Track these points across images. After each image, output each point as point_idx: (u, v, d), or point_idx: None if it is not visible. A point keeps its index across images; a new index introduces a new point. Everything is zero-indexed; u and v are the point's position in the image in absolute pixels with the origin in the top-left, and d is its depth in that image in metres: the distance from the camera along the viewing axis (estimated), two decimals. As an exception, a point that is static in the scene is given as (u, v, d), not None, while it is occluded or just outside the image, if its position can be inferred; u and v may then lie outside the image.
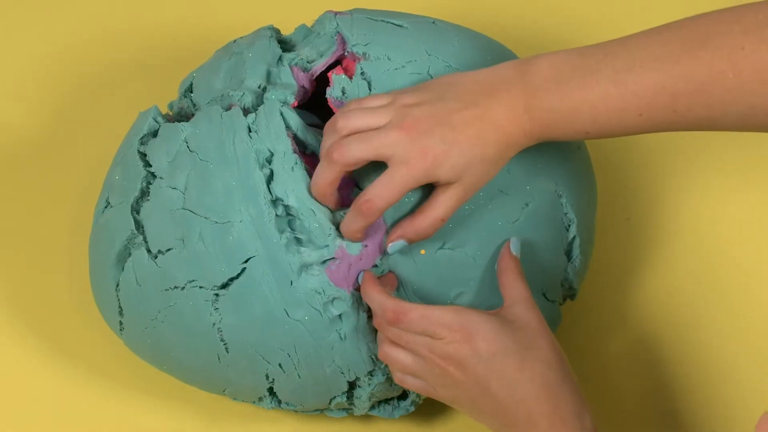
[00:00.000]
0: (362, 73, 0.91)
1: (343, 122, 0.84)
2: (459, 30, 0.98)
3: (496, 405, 0.82)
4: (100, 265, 0.93)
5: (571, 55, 0.82)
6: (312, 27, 0.99)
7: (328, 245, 0.86)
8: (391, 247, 0.86)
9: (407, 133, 0.82)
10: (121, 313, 0.92)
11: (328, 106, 1.04)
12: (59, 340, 1.04)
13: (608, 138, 0.84)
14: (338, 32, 0.94)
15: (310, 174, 0.87)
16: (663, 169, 1.11)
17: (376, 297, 0.85)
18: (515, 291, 0.85)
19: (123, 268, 0.91)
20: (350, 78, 0.92)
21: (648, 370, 1.01)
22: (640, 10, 1.21)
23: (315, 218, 0.86)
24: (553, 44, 1.17)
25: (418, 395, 0.95)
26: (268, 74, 0.92)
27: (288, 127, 0.89)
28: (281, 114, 0.89)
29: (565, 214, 0.93)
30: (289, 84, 0.91)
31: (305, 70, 0.94)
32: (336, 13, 0.97)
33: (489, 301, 0.89)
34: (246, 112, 0.90)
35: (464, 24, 1.02)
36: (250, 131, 0.88)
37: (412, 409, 0.96)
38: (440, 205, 0.84)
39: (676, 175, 1.11)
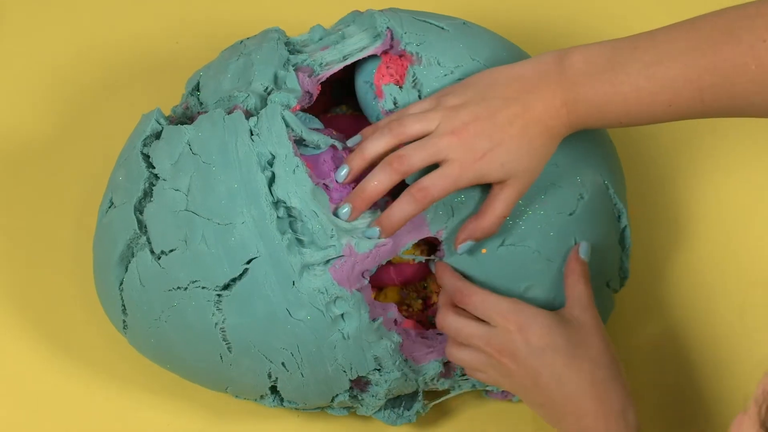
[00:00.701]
0: (414, 81, 0.93)
1: (398, 129, 0.87)
2: (485, 31, 1.00)
3: (545, 398, 0.85)
4: (104, 265, 0.93)
5: (603, 49, 0.85)
6: (335, 26, 0.99)
7: (333, 245, 0.86)
8: (461, 248, 0.89)
9: (458, 137, 0.85)
10: (124, 312, 0.93)
11: (330, 108, 1.05)
12: (64, 337, 1.04)
13: (637, 126, 0.88)
14: (388, 27, 0.95)
15: (311, 176, 0.88)
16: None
17: (449, 278, 0.89)
18: (577, 292, 0.89)
19: (127, 269, 0.91)
20: (399, 81, 0.94)
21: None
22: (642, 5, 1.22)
23: (317, 219, 0.86)
24: (552, 42, 1.17)
25: (423, 407, 0.96)
26: (275, 77, 0.92)
27: (290, 130, 0.89)
28: (282, 117, 0.89)
29: (615, 204, 0.96)
30: (294, 89, 0.92)
31: (315, 73, 0.94)
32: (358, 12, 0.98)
33: (559, 292, 0.91)
34: (249, 114, 0.91)
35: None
36: (252, 134, 0.88)
37: (414, 419, 0.97)
38: (500, 203, 0.87)
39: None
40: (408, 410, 0.97)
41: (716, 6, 0.84)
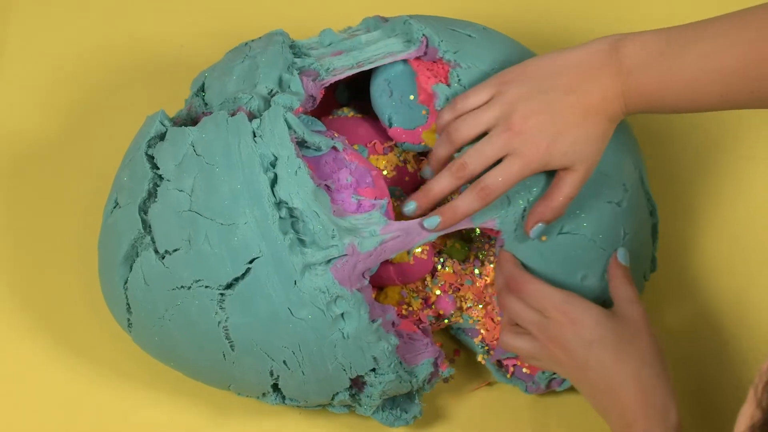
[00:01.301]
0: (459, 80, 0.94)
1: (456, 135, 0.90)
2: (505, 37, 1.02)
3: (591, 389, 0.87)
4: (109, 264, 0.93)
5: (658, 40, 0.87)
6: (349, 31, 1.01)
7: (334, 245, 0.87)
8: (533, 232, 0.91)
9: (517, 133, 0.88)
10: (129, 311, 0.93)
11: (332, 110, 1.05)
12: (69, 335, 1.04)
13: (687, 113, 0.90)
14: (424, 35, 0.96)
15: (313, 177, 0.88)
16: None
17: (508, 265, 0.91)
18: (623, 292, 0.90)
19: (131, 268, 0.91)
20: (444, 82, 0.95)
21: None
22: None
23: (318, 220, 0.87)
24: (551, 42, 1.16)
25: (420, 410, 0.97)
26: (280, 80, 0.93)
27: (292, 132, 0.89)
28: (285, 120, 0.89)
29: (648, 199, 0.98)
30: (298, 92, 0.92)
31: (320, 77, 0.95)
32: (386, 19, 1.00)
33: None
34: (252, 116, 0.91)
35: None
36: (255, 136, 0.89)
37: (412, 422, 0.97)
38: (566, 186, 0.89)
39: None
40: (406, 413, 0.97)
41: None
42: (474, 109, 0.91)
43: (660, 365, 0.87)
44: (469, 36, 0.99)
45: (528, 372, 0.99)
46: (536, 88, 0.88)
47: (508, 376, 1.00)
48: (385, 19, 1.01)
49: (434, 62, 0.97)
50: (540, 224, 0.91)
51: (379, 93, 0.99)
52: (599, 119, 0.88)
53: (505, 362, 1.00)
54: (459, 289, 1.01)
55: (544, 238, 0.93)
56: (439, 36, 0.97)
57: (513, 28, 1.15)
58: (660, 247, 1.02)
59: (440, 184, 0.91)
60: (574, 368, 0.88)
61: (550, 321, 0.89)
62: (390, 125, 1.00)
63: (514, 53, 0.99)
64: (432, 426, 1.01)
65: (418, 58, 0.97)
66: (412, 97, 0.98)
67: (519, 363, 0.99)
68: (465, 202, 0.90)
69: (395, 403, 0.97)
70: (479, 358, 1.01)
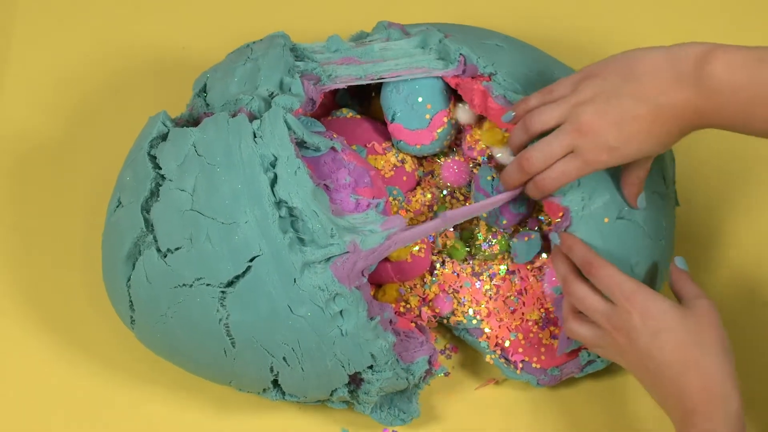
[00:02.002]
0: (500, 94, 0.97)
1: (531, 125, 0.91)
2: (524, 43, 1.04)
3: (652, 378, 0.87)
4: (112, 262, 0.94)
5: (746, 62, 0.85)
6: (360, 38, 1.01)
7: (334, 243, 0.87)
8: (640, 202, 0.94)
9: (584, 133, 0.89)
10: (132, 308, 0.93)
11: (330, 113, 1.05)
12: (74, 332, 1.04)
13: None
14: (461, 54, 0.98)
15: (312, 177, 0.88)
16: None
17: (581, 249, 0.91)
18: (689, 289, 0.90)
19: (134, 266, 0.91)
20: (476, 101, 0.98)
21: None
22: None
23: (317, 219, 0.87)
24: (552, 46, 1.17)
25: (417, 411, 0.97)
26: (281, 83, 0.93)
27: (291, 132, 0.90)
28: (285, 120, 0.89)
29: (675, 197, 1.00)
30: (299, 95, 0.92)
31: (321, 82, 0.95)
32: (401, 27, 1.01)
33: (654, 275, 0.95)
34: (252, 117, 0.91)
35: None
36: (255, 137, 0.89)
37: (409, 421, 0.97)
38: (640, 167, 0.92)
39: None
40: (404, 413, 0.97)
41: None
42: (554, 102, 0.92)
43: (724, 355, 0.86)
44: (498, 46, 1.00)
45: (538, 366, 0.99)
46: (612, 91, 0.88)
47: (518, 372, 1.00)
48: (406, 30, 1.02)
49: (472, 78, 0.99)
50: (642, 193, 0.93)
51: (390, 89, 1.00)
52: (668, 130, 0.88)
53: (513, 358, 1.00)
54: (458, 291, 1.01)
55: (606, 219, 0.93)
56: (476, 53, 0.98)
57: (512, 31, 1.15)
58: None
59: (511, 177, 0.93)
60: (637, 357, 0.87)
61: (617, 309, 0.88)
62: (392, 120, 1.00)
63: (540, 60, 1.01)
64: (430, 424, 1.01)
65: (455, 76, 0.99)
66: (420, 99, 0.99)
67: (527, 358, 1.00)
68: (528, 191, 0.93)
69: (393, 403, 0.97)
70: (487, 359, 1.00)
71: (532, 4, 1.22)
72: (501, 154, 0.99)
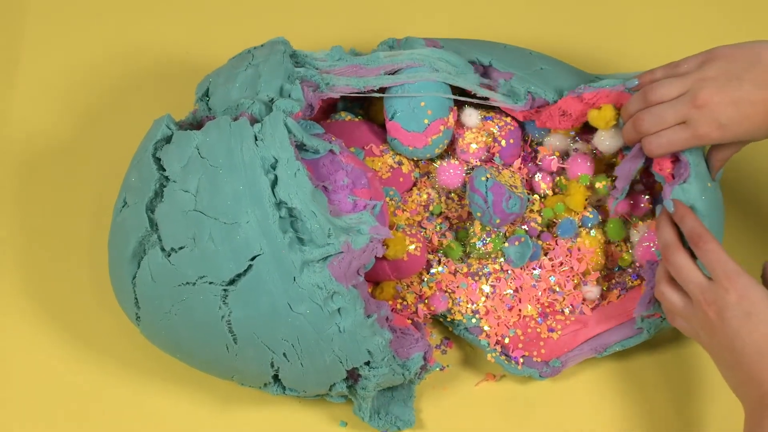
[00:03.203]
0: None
1: (650, 94, 0.93)
2: (553, 59, 1.06)
3: (735, 359, 0.87)
4: (118, 261, 0.94)
5: None
6: (386, 44, 1.03)
7: (331, 243, 0.87)
8: (718, 175, 0.96)
9: (698, 107, 0.91)
10: (137, 306, 0.93)
11: (329, 116, 1.04)
12: (81, 329, 1.04)
13: None
14: (529, 92, 1.00)
15: (311, 179, 0.89)
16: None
17: (692, 220, 0.91)
18: None
19: (139, 265, 0.92)
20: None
21: None
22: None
23: (315, 219, 0.87)
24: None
25: (413, 420, 0.97)
26: (281, 89, 0.93)
27: (291, 135, 0.90)
28: (285, 124, 0.90)
29: None
30: (298, 100, 0.93)
31: (320, 89, 0.96)
32: (485, 66, 1.03)
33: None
34: (254, 120, 0.91)
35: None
36: (256, 139, 0.89)
37: (404, 427, 0.98)
38: (733, 148, 0.95)
39: None
40: (400, 420, 0.98)
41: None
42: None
43: None
44: (542, 69, 1.02)
45: (539, 360, 1.00)
46: (734, 74, 0.90)
47: (519, 367, 1.00)
48: (440, 45, 1.03)
49: (539, 108, 1.01)
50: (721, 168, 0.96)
51: (396, 88, 1.01)
52: None
53: (513, 354, 1.00)
54: (454, 291, 1.02)
55: (709, 184, 0.95)
56: (539, 87, 1.00)
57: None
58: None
59: (627, 133, 0.95)
60: (722, 335, 0.87)
61: (714, 285, 0.88)
62: (391, 118, 1.01)
63: (573, 75, 1.02)
64: (428, 421, 1.01)
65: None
66: (423, 103, 1.00)
67: (527, 353, 1.00)
68: (646, 148, 0.95)
69: (389, 409, 0.97)
70: (488, 357, 1.01)
71: (532, 15, 1.22)
72: (602, 137, 1.01)
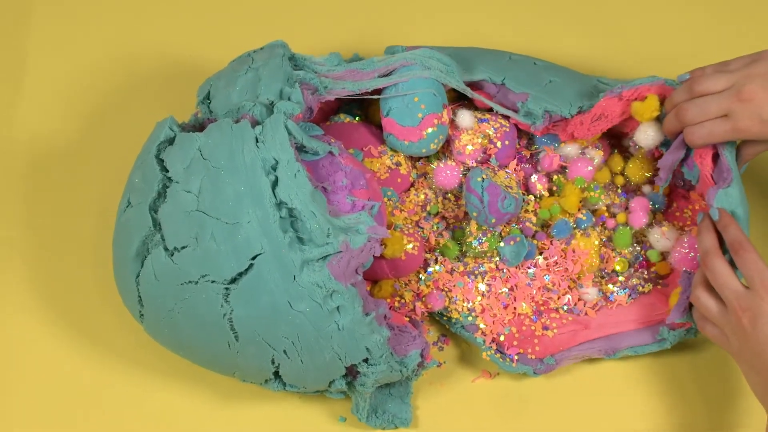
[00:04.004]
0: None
1: (696, 86, 0.94)
2: (556, 65, 1.06)
3: (764, 365, 0.87)
4: (122, 260, 0.94)
5: None
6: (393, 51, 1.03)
7: (330, 243, 0.87)
8: (743, 168, 0.97)
9: (742, 101, 0.92)
10: (141, 304, 0.93)
11: (329, 118, 1.03)
12: (86, 326, 1.05)
13: None
14: (546, 111, 1.01)
15: (311, 180, 0.89)
16: None
17: (734, 228, 0.92)
18: None
19: (142, 264, 0.92)
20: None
21: None
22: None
23: (315, 219, 0.87)
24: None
25: (410, 419, 0.98)
26: (281, 92, 0.94)
27: (291, 137, 0.90)
28: (285, 126, 0.90)
29: None
30: (299, 102, 0.93)
31: (317, 92, 0.96)
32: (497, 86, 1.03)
33: None
34: (255, 122, 0.91)
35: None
36: (257, 141, 0.89)
37: (402, 426, 0.98)
38: (765, 144, 0.96)
39: None
40: (398, 417, 0.98)
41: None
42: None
43: None
44: (552, 82, 1.03)
45: (533, 357, 1.00)
46: None
47: (514, 365, 1.00)
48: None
49: (556, 122, 1.02)
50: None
51: (390, 87, 1.01)
52: None
53: (508, 352, 1.00)
54: (451, 290, 1.02)
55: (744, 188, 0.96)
56: (554, 105, 1.01)
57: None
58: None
59: (669, 122, 0.96)
60: (753, 341, 0.87)
61: (751, 293, 0.88)
62: (386, 115, 1.01)
63: (578, 82, 1.03)
64: (426, 417, 1.01)
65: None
66: (416, 99, 1.00)
67: (522, 350, 1.00)
68: (688, 136, 0.95)
69: (386, 408, 0.98)
70: (483, 356, 1.01)
71: (529, 25, 1.22)
72: (645, 130, 1.01)
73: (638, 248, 1.05)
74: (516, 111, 1.03)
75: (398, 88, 1.01)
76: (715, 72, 0.95)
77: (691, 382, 1.02)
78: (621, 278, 1.04)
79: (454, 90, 1.05)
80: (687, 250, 0.99)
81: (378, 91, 1.01)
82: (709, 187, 0.95)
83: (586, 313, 1.02)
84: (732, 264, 0.91)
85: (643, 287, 1.03)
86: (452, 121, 1.05)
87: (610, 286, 1.03)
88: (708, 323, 0.93)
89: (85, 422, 1.01)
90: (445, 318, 1.03)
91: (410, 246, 1.00)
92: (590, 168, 1.04)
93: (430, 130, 1.02)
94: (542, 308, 1.02)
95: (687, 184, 1.05)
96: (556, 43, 1.19)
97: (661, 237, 1.02)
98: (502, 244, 1.02)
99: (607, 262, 1.05)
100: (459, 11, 1.21)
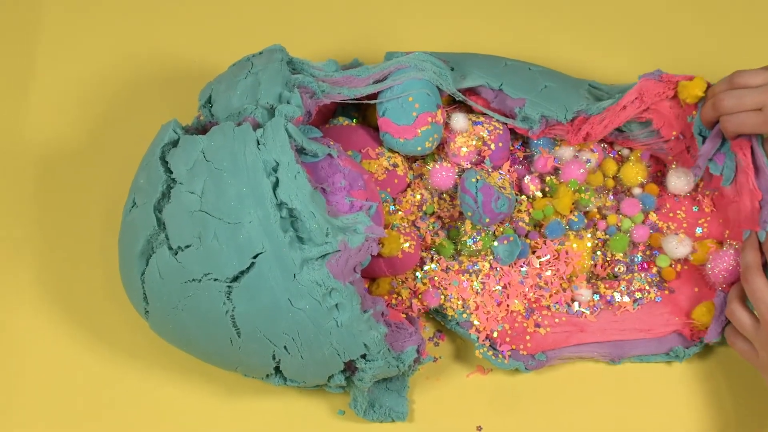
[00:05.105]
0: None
1: (737, 79, 0.95)
2: (547, 69, 1.07)
3: None
4: (128, 258, 0.94)
5: None
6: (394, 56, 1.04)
7: (329, 242, 0.87)
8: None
9: None
10: (146, 301, 0.93)
11: (328, 121, 1.04)
12: (93, 323, 1.05)
13: None
14: (543, 116, 1.02)
15: (311, 181, 0.89)
16: None
17: None
18: None
19: (147, 262, 0.92)
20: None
21: None
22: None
23: (314, 219, 0.88)
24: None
25: (406, 413, 0.98)
26: (280, 96, 0.94)
27: (292, 140, 0.91)
28: (286, 129, 0.90)
29: None
30: (299, 105, 0.93)
31: (316, 95, 0.96)
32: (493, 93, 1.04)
33: None
34: (256, 125, 0.92)
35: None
36: (258, 144, 0.90)
37: (399, 419, 0.98)
38: None
39: None
40: (395, 411, 0.98)
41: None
42: None
43: None
44: (547, 87, 1.03)
45: (525, 353, 1.00)
46: None
47: (506, 361, 1.00)
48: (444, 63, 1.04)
49: (551, 128, 1.02)
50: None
51: (385, 93, 1.02)
52: None
53: (501, 348, 1.00)
54: (446, 288, 1.02)
55: None
56: (550, 111, 1.01)
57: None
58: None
59: (706, 112, 0.97)
60: None
61: None
62: (382, 115, 1.01)
63: (572, 87, 1.04)
64: (423, 413, 1.01)
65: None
66: (411, 99, 1.00)
67: (514, 346, 1.00)
68: (723, 125, 0.97)
69: (383, 402, 0.98)
70: (477, 353, 1.01)
71: (525, 29, 1.21)
72: (678, 176, 1.03)
73: (638, 255, 1.05)
74: (513, 116, 1.03)
75: (393, 91, 1.01)
76: (760, 69, 0.96)
77: (686, 382, 1.02)
78: (622, 285, 1.03)
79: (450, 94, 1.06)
80: (730, 267, 0.98)
81: (375, 96, 1.02)
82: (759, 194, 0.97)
83: (584, 317, 1.02)
84: None
85: (648, 293, 1.03)
86: (447, 124, 1.05)
87: (610, 290, 1.03)
88: (739, 338, 0.93)
89: (93, 416, 1.01)
90: (440, 315, 1.03)
91: (407, 245, 1.00)
92: (583, 170, 1.04)
93: (424, 128, 1.02)
94: (534, 305, 1.03)
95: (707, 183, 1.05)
96: (549, 47, 1.19)
97: (679, 244, 1.02)
98: (495, 243, 1.02)
99: (602, 265, 1.04)
100: (455, 18, 1.21)
